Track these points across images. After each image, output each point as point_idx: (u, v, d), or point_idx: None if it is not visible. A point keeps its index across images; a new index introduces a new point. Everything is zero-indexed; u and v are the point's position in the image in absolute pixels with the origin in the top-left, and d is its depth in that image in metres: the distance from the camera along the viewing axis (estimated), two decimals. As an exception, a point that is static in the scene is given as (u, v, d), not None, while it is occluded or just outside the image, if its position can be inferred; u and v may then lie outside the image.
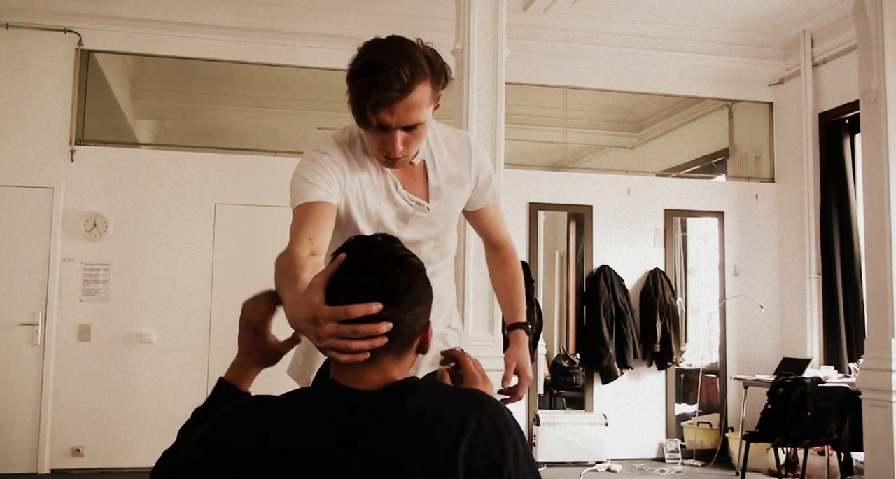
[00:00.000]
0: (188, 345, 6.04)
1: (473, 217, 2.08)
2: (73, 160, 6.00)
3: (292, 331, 1.46)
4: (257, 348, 1.54)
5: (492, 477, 1.20)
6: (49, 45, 6.00)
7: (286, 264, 1.57)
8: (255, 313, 1.53)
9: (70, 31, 6.03)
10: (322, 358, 1.91)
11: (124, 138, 6.68)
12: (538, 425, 6.26)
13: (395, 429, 1.20)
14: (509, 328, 2.09)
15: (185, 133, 7.37)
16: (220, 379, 1.51)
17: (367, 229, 1.80)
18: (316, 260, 1.60)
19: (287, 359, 1.90)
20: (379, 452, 1.18)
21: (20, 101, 5.97)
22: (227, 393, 1.49)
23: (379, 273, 1.24)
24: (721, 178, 7.55)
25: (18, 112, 5.97)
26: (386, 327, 1.20)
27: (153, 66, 6.72)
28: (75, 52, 6.05)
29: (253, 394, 1.41)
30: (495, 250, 2.14)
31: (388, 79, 1.60)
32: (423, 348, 1.31)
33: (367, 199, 1.82)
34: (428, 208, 1.88)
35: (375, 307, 1.19)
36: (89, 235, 5.96)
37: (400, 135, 1.69)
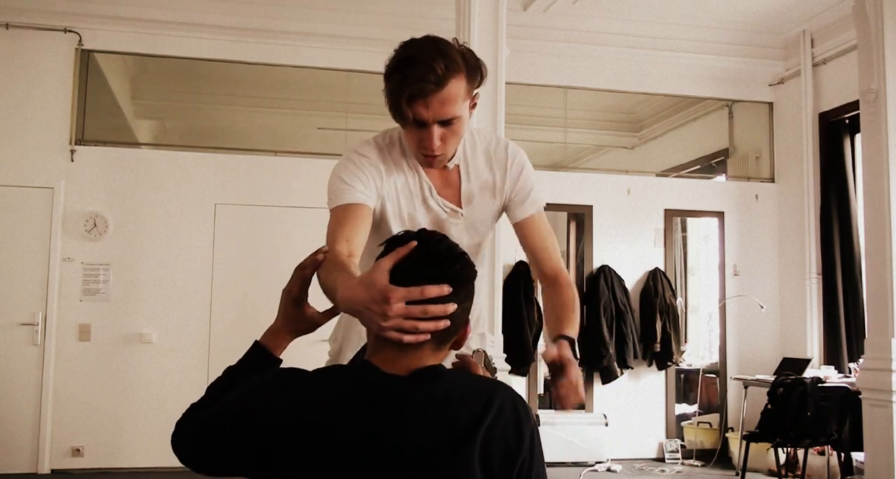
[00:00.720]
0: (188, 345, 6.04)
1: (520, 231, 1.93)
2: (73, 160, 6.00)
3: (330, 304, 1.53)
4: (294, 317, 1.59)
5: (507, 462, 1.23)
6: (49, 45, 6.00)
7: (331, 259, 1.58)
8: (295, 284, 1.58)
9: (70, 31, 6.03)
10: (356, 344, 1.93)
11: (124, 138, 6.68)
12: (538, 425, 6.25)
13: (421, 412, 1.24)
14: (553, 339, 1.79)
15: (185, 133, 7.37)
16: (255, 342, 1.55)
17: (394, 229, 1.79)
18: (353, 262, 1.61)
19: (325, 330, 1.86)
20: (403, 433, 1.22)
21: (20, 101, 5.97)
22: (260, 356, 1.52)
23: (445, 265, 1.29)
24: (721, 178, 7.55)
25: (18, 112, 5.97)
26: (452, 308, 1.25)
27: (153, 66, 6.72)
28: (75, 52, 6.05)
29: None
30: (548, 280, 1.90)
31: (423, 72, 1.62)
32: (458, 344, 1.36)
33: (401, 202, 1.84)
34: (462, 215, 1.88)
35: (447, 289, 1.24)
36: (89, 235, 5.96)
37: (437, 130, 1.70)
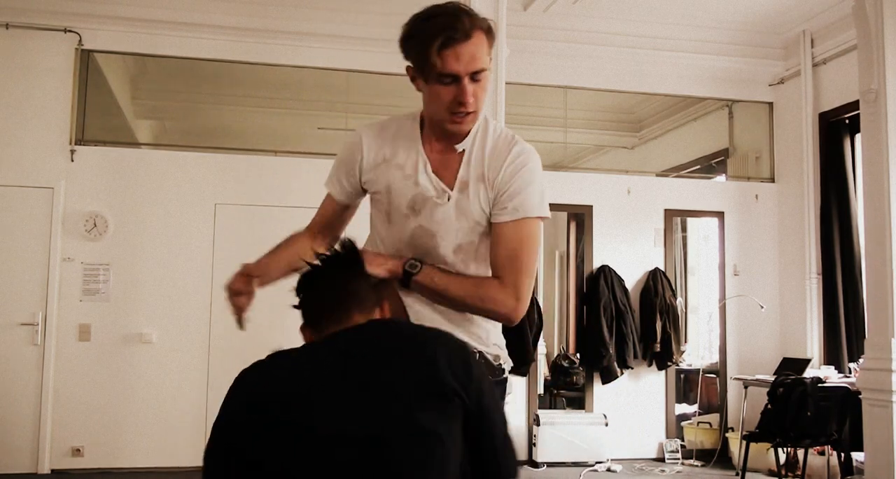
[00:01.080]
0: (188, 345, 6.04)
1: (492, 234, 1.85)
2: (73, 160, 6.00)
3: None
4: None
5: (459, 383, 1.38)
6: (49, 45, 6.00)
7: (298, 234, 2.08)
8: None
9: (70, 31, 6.03)
10: None
11: (124, 138, 6.69)
12: (538, 425, 6.26)
13: (375, 354, 1.42)
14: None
15: (185, 133, 7.37)
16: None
17: (382, 205, 1.92)
18: (303, 238, 2.05)
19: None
20: (364, 374, 1.38)
21: (20, 101, 5.97)
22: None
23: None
24: (721, 178, 7.55)
25: (18, 112, 5.97)
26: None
27: (153, 66, 6.72)
28: (75, 52, 6.05)
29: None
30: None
31: (452, 21, 1.69)
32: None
33: (389, 175, 1.88)
34: (449, 197, 1.83)
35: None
36: (89, 235, 5.96)
37: (469, 85, 1.72)
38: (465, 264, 1.87)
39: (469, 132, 1.84)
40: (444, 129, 1.82)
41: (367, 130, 1.92)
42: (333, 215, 2.03)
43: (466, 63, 1.70)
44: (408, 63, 1.79)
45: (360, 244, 1.71)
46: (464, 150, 1.85)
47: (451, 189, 1.84)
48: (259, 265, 2.03)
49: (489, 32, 1.75)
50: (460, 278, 1.83)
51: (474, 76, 1.72)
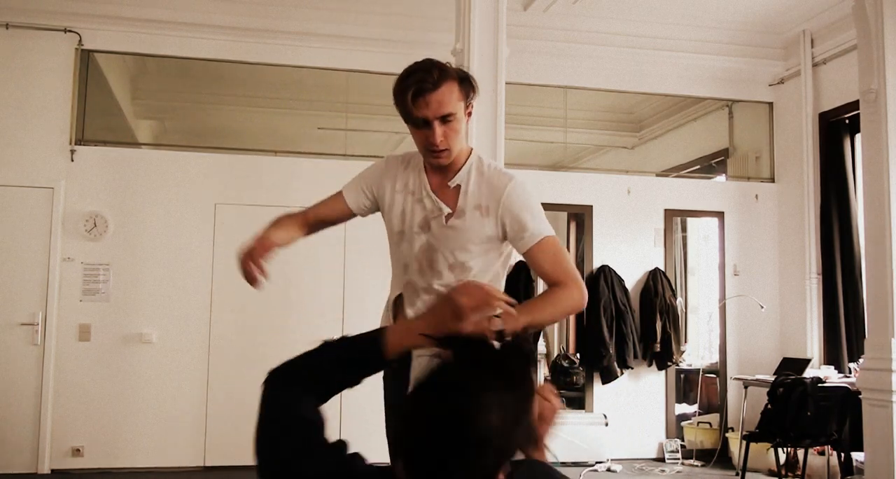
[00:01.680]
0: (188, 345, 6.04)
1: (526, 258, 2.17)
2: (73, 160, 6.00)
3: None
4: (445, 328, 1.44)
5: None
6: (49, 45, 6.00)
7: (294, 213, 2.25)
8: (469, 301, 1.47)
9: (70, 31, 6.03)
10: (390, 316, 2.27)
11: (124, 138, 6.68)
12: (538, 425, 6.25)
13: None
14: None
15: (185, 133, 7.37)
16: (377, 339, 1.43)
17: (395, 226, 2.20)
18: (296, 219, 2.23)
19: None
20: None
21: (20, 101, 5.97)
22: (375, 350, 1.42)
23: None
24: (721, 178, 7.55)
25: (18, 112, 5.96)
26: None
27: (153, 66, 6.72)
28: (75, 52, 6.05)
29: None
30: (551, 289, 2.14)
31: (422, 76, 2.01)
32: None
33: (402, 200, 2.18)
34: (446, 218, 2.13)
35: None
36: (89, 235, 5.96)
37: (438, 128, 2.03)
38: (459, 278, 2.13)
39: (446, 166, 2.14)
40: (428, 162, 2.16)
41: (393, 159, 2.25)
42: (334, 216, 2.27)
43: (435, 109, 2.01)
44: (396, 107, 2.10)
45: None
46: (458, 184, 2.15)
47: (452, 215, 2.14)
48: (276, 237, 2.23)
49: (463, 81, 2.06)
50: (536, 305, 2.08)
51: (444, 119, 2.03)
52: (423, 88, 1.99)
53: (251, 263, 2.14)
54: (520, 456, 1.15)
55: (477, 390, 1.07)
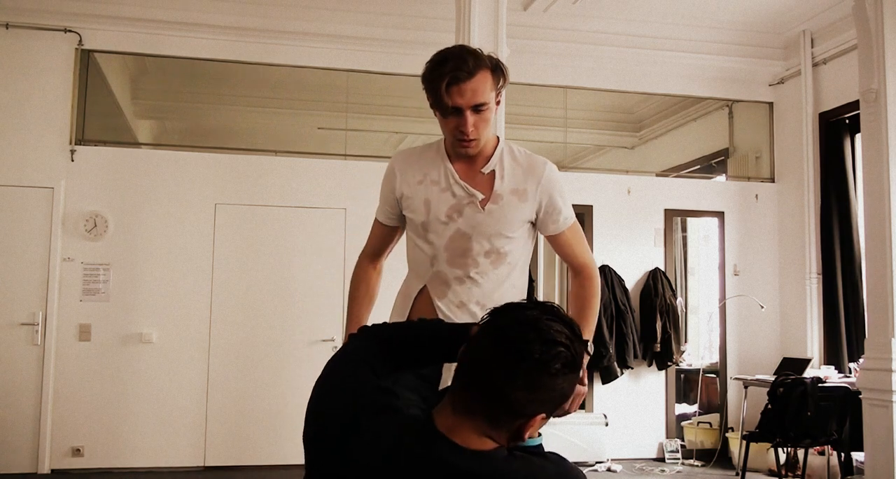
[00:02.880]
0: (188, 345, 6.04)
1: (552, 241, 2.24)
2: (73, 160, 6.00)
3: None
4: None
5: None
6: (49, 45, 6.00)
7: (358, 273, 2.33)
8: None
9: (70, 31, 6.03)
10: (409, 306, 2.23)
11: (124, 138, 6.69)
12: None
13: None
14: None
15: (185, 133, 7.37)
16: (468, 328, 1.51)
17: (418, 218, 2.16)
18: (371, 274, 2.32)
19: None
20: None
21: (20, 101, 5.97)
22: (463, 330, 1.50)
23: (526, 339, 1.25)
24: (721, 178, 7.55)
25: (18, 112, 5.97)
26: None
27: (153, 66, 6.72)
28: (75, 52, 6.05)
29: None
30: (575, 274, 2.25)
31: (457, 64, 1.99)
32: (518, 435, 1.31)
33: (425, 191, 2.16)
34: (481, 204, 2.12)
35: None
36: (89, 235, 5.96)
37: (470, 117, 2.02)
38: (494, 266, 2.14)
39: (475, 155, 2.14)
40: (455, 151, 2.14)
41: (398, 156, 2.25)
42: (384, 239, 2.33)
43: (469, 98, 2.00)
44: (426, 93, 2.09)
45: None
46: (493, 170, 2.15)
47: (487, 200, 2.13)
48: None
49: (496, 70, 2.05)
50: (589, 320, 2.16)
51: (476, 109, 2.02)
52: (458, 77, 1.98)
53: None
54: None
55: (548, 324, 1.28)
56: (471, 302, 2.13)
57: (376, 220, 2.31)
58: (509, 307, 1.32)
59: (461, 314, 2.12)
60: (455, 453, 1.25)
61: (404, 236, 2.33)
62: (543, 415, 1.29)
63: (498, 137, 2.20)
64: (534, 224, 2.21)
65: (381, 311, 2.30)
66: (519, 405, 1.25)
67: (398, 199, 2.21)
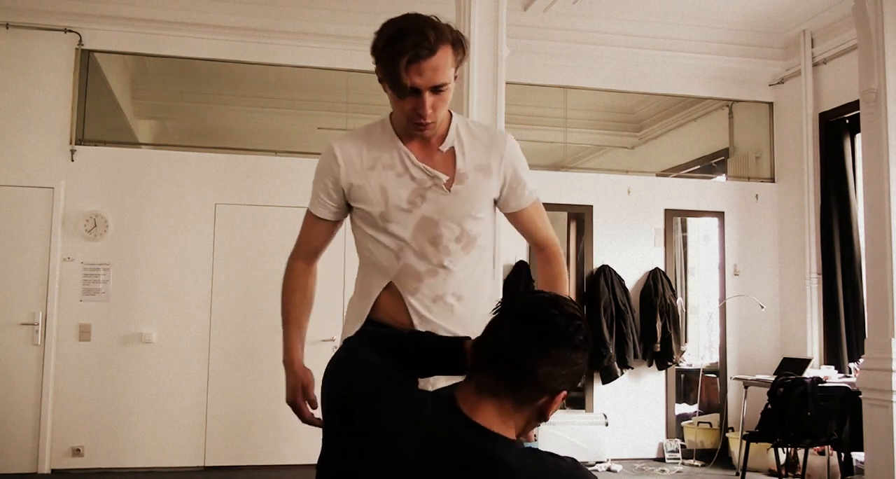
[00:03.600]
0: (188, 345, 6.04)
1: (514, 219, 2.11)
2: (73, 160, 6.00)
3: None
4: None
5: None
6: (49, 45, 6.00)
7: (290, 274, 2.21)
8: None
9: (70, 31, 6.03)
10: (369, 306, 2.05)
11: (124, 138, 6.68)
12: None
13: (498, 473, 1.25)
14: None
15: (186, 133, 7.37)
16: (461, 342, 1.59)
17: (375, 208, 1.95)
18: (306, 279, 2.20)
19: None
20: None
21: (20, 101, 5.97)
22: (461, 358, 1.57)
23: (547, 315, 1.31)
24: (721, 178, 7.55)
25: (18, 112, 5.97)
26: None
27: (153, 66, 6.72)
28: (75, 52, 6.05)
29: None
30: (539, 250, 2.14)
31: (418, 40, 1.78)
32: (542, 414, 1.35)
33: (379, 177, 1.95)
34: (446, 185, 1.95)
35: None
36: (89, 235, 5.96)
37: (429, 98, 1.83)
38: (466, 251, 1.99)
39: (432, 136, 1.97)
40: (408, 132, 1.96)
41: (339, 142, 2.01)
42: (322, 237, 2.10)
43: (428, 78, 1.80)
44: (377, 67, 1.90)
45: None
46: (451, 147, 1.98)
47: (452, 180, 1.96)
48: (301, 366, 2.16)
49: (456, 44, 1.85)
50: (550, 284, 2.08)
51: (436, 89, 1.83)
52: (418, 55, 1.78)
53: (307, 409, 2.03)
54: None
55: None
56: (447, 294, 1.95)
57: (311, 215, 2.08)
58: (518, 294, 1.39)
59: (436, 309, 1.95)
60: (479, 435, 1.28)
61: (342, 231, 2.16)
62: (565, 392, 1.33)
63: (450, 111, 2.00)
64: (495, 202, 2.07)
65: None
66: (547, 380, 1.29)
67: (345, 190, 1.99)
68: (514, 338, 1.29)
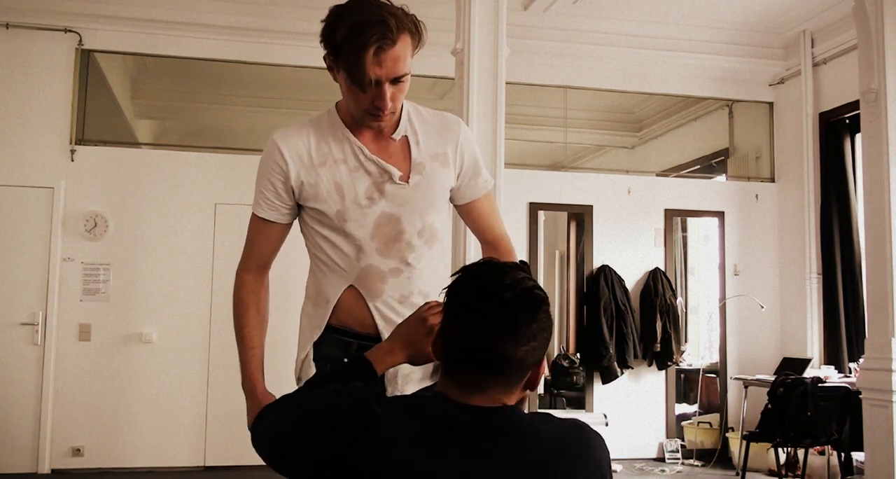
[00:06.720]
0: (188, 345, 6.04)
1: (466, 211, 1.99)
2: (73, 160, 6.00)
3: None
4: (421, 345, 1.60)
5: None
6: (49, 45, 6.00)
7: (238, 296, 2.10)
8: (437, 320, 1.53)
9: (70, 31, 6.03)
10: (327, 315, 1.93)
11: (124, 138, 6.68)
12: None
13: (516, 447, 1.25)
14: None
15: (185, 133, 7.37)
16: (363, 357, 1.61)
17: (331, 207, 1.82)
18: (266, 279, 2.05)
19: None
20: (502, 469, 1.24)
21: (20, 101, 5.97)
22: (365, 371, 1.59)
23: (502, 302, 1.27)
24: (721, 178, 7.55)
25: (18, 112, 5.97)
26: None
27: (153, 66, 6.72)
28: (75, 52, 6.05)
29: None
30: (493, 249, 1.99)
31: (382, 31, 1.67)
32: (531, 384, 1.34)
33: (331, 172, 1.83)
34: (408, 179, 1.85)
35: None
36: (89, 235, 5.96)
37: (389, 89, 1.73)
38: (429, 246, 1.89)
39: (386, 126, 1.85)
40: (361, 123, 1.84)
41: (283, 137, 1.86)
42: (275, 243, 1.99)
43: (389, 69, 1.70)
44: (325, 52, 1.84)
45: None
46: (404, 135, 1.87)
47: (409, 173, 1.85)
48: (263, 391, 2.11)
49: (414, 33, 1.74)
50: None
51: (395, 80, 1.73)
52: (381, 47, 1.68)
53: None
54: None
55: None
56: (413, 293, 1.85)
57: (258, 220, 1.94)
58: (460, 284, 1.32)
59: (403, 309, 1.82)
60: (486, 414, 1.27)
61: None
62: (544, 358, 1.33)
63: None
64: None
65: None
66: (528, 356, 1.28)
67: (295, 189, 1.84)
68: (482, 336, 1.26)
